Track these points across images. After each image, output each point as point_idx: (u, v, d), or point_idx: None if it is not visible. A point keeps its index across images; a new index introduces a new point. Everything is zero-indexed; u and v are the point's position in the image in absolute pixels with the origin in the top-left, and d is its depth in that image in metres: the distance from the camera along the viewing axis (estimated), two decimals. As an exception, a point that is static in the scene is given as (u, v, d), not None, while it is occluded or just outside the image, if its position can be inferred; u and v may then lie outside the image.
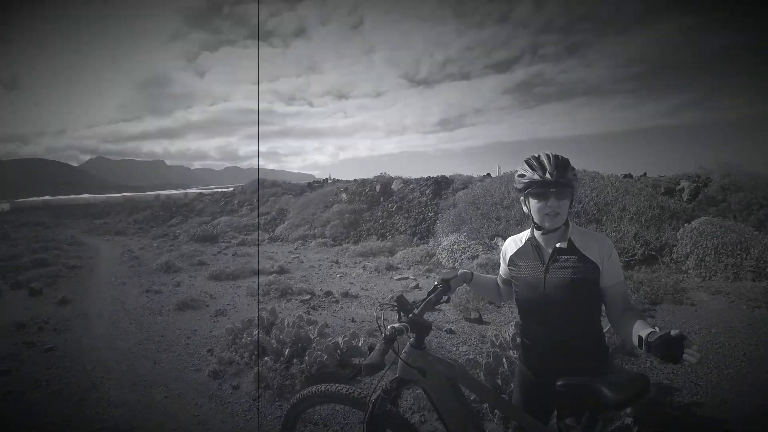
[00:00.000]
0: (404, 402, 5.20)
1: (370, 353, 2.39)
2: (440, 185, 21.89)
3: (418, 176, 24.45)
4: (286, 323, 6.90)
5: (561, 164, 2.70)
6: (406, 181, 24.12)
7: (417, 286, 11.36)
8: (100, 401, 5.72)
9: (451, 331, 7.87)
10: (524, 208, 2.89)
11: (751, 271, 10.12)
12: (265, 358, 6.06)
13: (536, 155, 2.78)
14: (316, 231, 22.03)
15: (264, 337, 6.57)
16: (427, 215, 19.33)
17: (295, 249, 19.31)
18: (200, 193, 46.03)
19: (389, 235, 19.20)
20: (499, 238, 13.58)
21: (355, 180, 28.90)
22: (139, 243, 23.84)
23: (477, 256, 12.67)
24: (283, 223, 24.92)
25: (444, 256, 13.88)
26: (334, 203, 24.98)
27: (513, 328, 5.91)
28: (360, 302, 10.16)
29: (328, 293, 10.72)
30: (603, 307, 2.86)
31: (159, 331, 8.48)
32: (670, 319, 8.24)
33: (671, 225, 12.49)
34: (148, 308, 10.14)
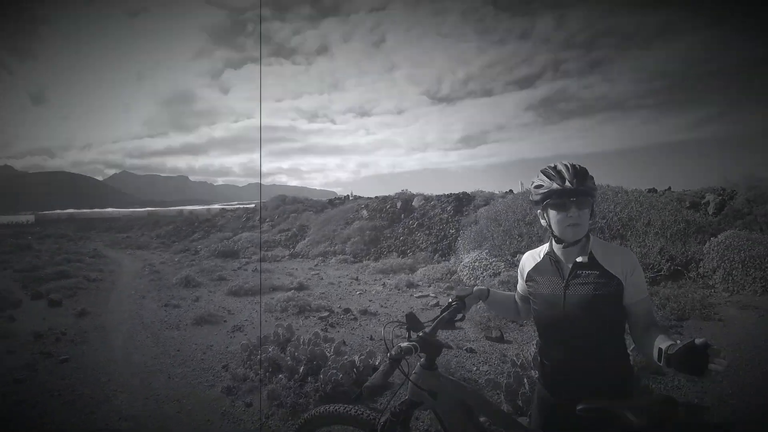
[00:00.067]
0: (421, 424, 5.03)
1: (374, 373, 2.25)
2: (462, 202, 21.71)
3: (439, 193, 24.26)
4: (301, 340, 6.79)
5: (580, 173, 2.55)
6: (428, 198, 23.96)
7: (437, 304, 11.17)
8: (111, 414, 5.65)
9: (471, 350, 7.67)
10: (542, 221, 2.73)
11: (780, 284, 9.82)
12: (279, 376, 5.95)
13: (553, 165, 2.64)
14: (336, 247, 21.93)
15: (278, 354, 6.46)
16: (449, 232, 19.16)
17: (315, 265, 19.19)
18: (223, 208, 46.34)
19: (410, 252, 19.05)
20: (520, 255, 13.35)
21: (376, 197, 28.77)
22: (160, 257, 23.97)
23: (499, 273, 12.47)
24: (304, 239, 24.86)
25: (465, 273, 13.69)
26: (354, 220, 24.88)
27: (535, 347, 5.74)
28: (379, 320, 10.01)
29: (347, 310, 10.58)
30: (626, 325, 2.68)
31: (175, 346, 8.41)
32: (697, 335, 7.93)
33: (697, 239, 12.19)
34: (165, 322, 10.08)
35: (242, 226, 33.02)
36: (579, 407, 2.28)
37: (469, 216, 19.58)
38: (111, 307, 11.63)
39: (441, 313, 2.83)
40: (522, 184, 22.10)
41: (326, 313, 10.38)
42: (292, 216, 30.77)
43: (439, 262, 16.35)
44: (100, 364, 7.50)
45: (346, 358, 6.25)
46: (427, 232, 20.25)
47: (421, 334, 2.57)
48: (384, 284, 13.97)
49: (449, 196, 22.99)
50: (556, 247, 2.73)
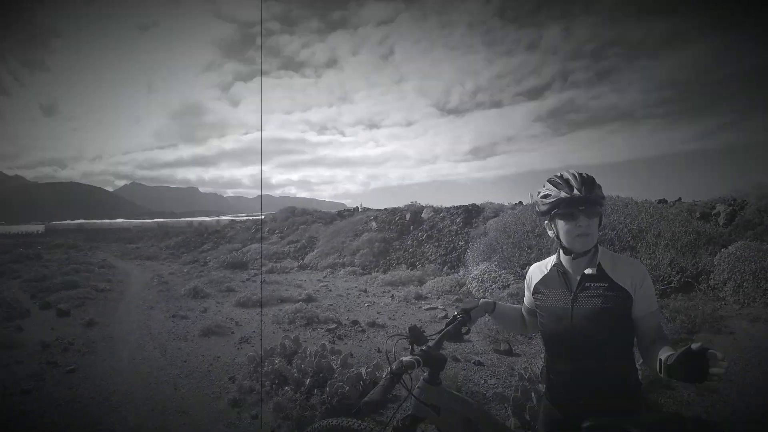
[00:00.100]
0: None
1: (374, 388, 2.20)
2: (471, 213, 21.65)
3: (448, 205, 24.21)
4: (308, 352, 6.73)
5: (587, 181, 2.49)
6: (437, 210, 23.91)
7: (446, 316, 11.09)
8: (116, 425, 5.61)
9: (479, 363, 7.60)
10: (550, 233, 2.66)
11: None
12: (286, 388, 5.90)
13: (559, 174, 2.58)
14: (345, 259, 21.91)
15: (285, 366, 6.41)
16: (458, 244, 19.10)
17: (324, 277, 19.17)
18: (232, 220, 46.45)
19: (419, 264, 19.01)
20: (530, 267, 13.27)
21: (385, 208, 28.74)
22: (169, 268, 24.02)
23: (508, 286, 12.40)
24: (313, 251, 24.86)
25: (474, 285, 13.63)
26: (363, 232, 24.87)
27: (543, 360, 5.70)
28: (387, 332, 9.95)
29: (355, 322, 10.53)
30: (635, 339, 2.60)
31: (182, 357, 8.37)
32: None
33: (708, 250, 12.04)
34: (173, 333, 10.06)
35: (251, 237, 33.05)
36: (585, 425, 2.25)
37: (478, 228, 19.51)
38: (119, 318, 11.63)
39: (446, 327, 2.79)
40: (532, 195, 22.04)
41: (334, 325, 10.33)
42: (301, 228, 30.80)
43: (448, 274, 16.29)
44: (107, 374, 7.48)
45: (353, 371, 6.19)
46: (436, 244, 20.21)
47: (424, 347, 2.52)
48: (393, 296, 13.92)
49: (458, 207, 22.95)
50: (564, 258, 2.66)
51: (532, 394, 4.83)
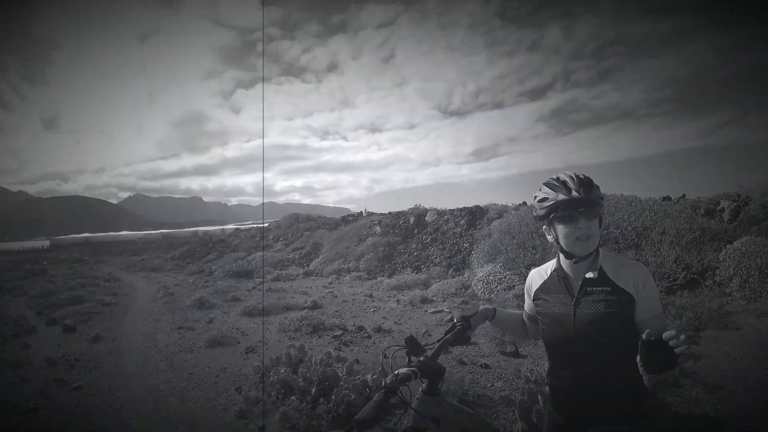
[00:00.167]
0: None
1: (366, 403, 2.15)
2: (475, 215, 21.60)
3: (452, 207, 24.15)
4: (313, 361, 6.71)
5: (585, 182, 2.44)
6: (441, 212, 23.86)
7: (451, 319, 11.04)
8: (123, 442, 5.60)
9: (485, 366, 7.56)
10: (549, 237, 2.61)
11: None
12: (292, 398, 5.87)
13: (555, 176, 2.53)
14: (350, 265, 21.87)
15: (290, 375, 6.38)
16: (462, 246, 19.05)
17: (330, 283, 19.13)
18: (237, 228, 46.44)
19: (424, 267, 18.95)
20: (535, 268, 13.20)
21: (389, 212, 28.68)
22: (175, 279, 23.98)
23: (513, 287, 12.36)
24: (318, 257, 24.82)
25: (480, 287, 13.58)
26: (368, 236, 24.81)
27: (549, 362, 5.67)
28: (393, 337, 9.92)
29: (361, 328, 10.50)
30: None
31: (189, 369, 8.36)
32: (715, 345, 7.81)
33: (713, 247, 11.98)
34: (179, 345, 10.05)
35: (256, 245, 32.99)
36: None
37: (482, 229, 19.46)
38: (125, 331, 11.62)
39: (445, 335, 2.73)
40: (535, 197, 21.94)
41: (340, 332, 10.30)
42: (306, 234, 30.78)
43: (453, 277, 16.23)
44: (114, 389, 7.46)
45: (359, 378, 6.17)
46: (441, 246, 20.16)
47: (422, 358, 2.47)
48: (398, 301, 13.88)
49: (462, 209, 22.91)
50: (564, 263, 2.61)
51: (539, 397, 4.80)
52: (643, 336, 1.97)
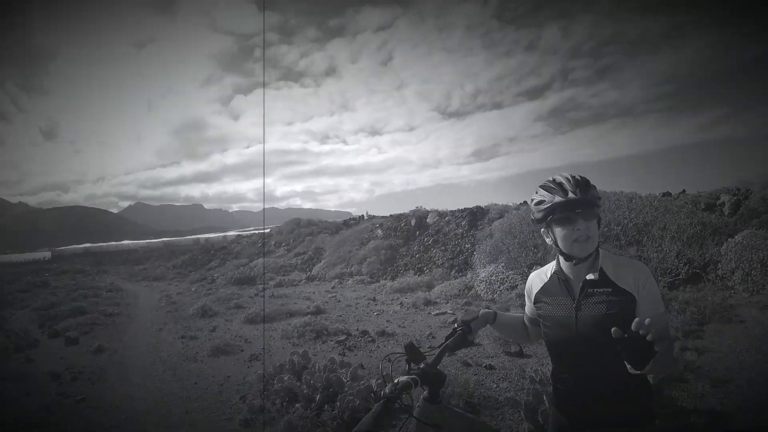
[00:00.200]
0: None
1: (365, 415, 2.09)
2: (476, 216, 21.57)
3: (453, 208, 24.11)
4: (317, 367, 6.67)
5: (582, 183, 2.40)
6: (442, 214, 23.82)
7: (455, 321, 11.01)
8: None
9: (490, 367, 7.53)
10: (548, 240, 2.58)
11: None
12: (296, 405, 5.83)
13: (551, 178, 2.49)
14: (353, 268, 21.84)
15: (294, 382, 6.34)
16: (464, 247, 19.02)
17: (332, 288, 19.07)
18: (238, 235, 46.37)
19: (426, 269, 18.92)
20: (538, 267, 13.17)
21: (390, 215, 28.65)
22: (177, 288, 23.94)
23: (516, 287, 12.34)
24: (320, 262, 24.78)
25: (482, 287, 13.56)
26: (370, 240, 24.79)
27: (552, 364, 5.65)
28: (397, 340, 9.89)
29: (365, 333, 10.47)
30: None
31: (192, 379, 8.32)
32: (719, 339, 7.81)
33: (714, 241, 12.00)
34: (183, 355, 10.01)
35: (258, 251, 32.91)
36: None
37: (483, 230, 19.42)
38: (128, 342, 11.57)
39: (445, 341, 2.69)
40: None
41: (344, 337, 10.26)
42: (308, 239, 30.76)
43: (456, 278, 16.22)
44: (117, 402, 7.43)
45: (363, 383, 6.12)
46: (443, 248, 20.13)
47: (422, 365, 2.43)
48: (401, 303, 13.85)
49: (463, 210, 22.88)
50: (564, 265, 2.57)
51: (544, 397, 4.77)
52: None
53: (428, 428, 2.37)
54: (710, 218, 13.19)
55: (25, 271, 41.60)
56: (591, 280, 2.45)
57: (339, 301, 15.58)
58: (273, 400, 6.27)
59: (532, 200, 2.56)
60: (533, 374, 5.50)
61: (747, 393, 5.69)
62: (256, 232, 47.04)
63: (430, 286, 15.88)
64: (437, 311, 12.38)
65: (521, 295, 10.99)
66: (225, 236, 53.39)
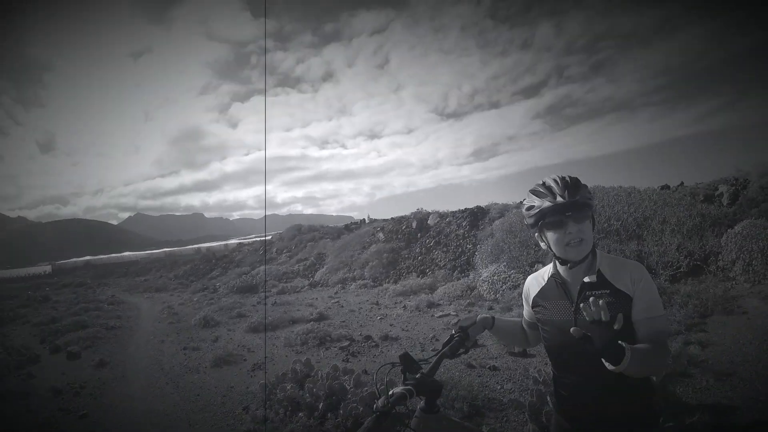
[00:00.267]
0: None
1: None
2: (476, 216, 21.55)
3: (454, 209, 24.11)
4: (320, 375, 6.60)
5: (571, 184, 2.35)
6: (443, 215, 23.82)
7: (458, 323, 10.95)
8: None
9: (494, 368, 7.48)
10: (542, 244, 2.53)
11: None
12: (299, 414, 5.76)
13: (541, 182, 2.45)
14: (355, 273, 21.80)
15: (297, 391, 6.27)
16: (466, 248, 18.98)
17: (335, 293, 19.02)
18: (240, 243, 46.33)
19: (429, 271, 18.87)
20: (540, 265, 13.14)
21: (391, 218, 28.67)
22: (179, 298, 23.85)
23: (518, 286, 12.28)
24: (323, 267, 24.73)
25: (485, 288, 13.51)
26: (371, 243, 24.77)
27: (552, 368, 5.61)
28: (401, 344, 9.83)
29: (368, 338, 10.41)
30: None
31: (195, 390, 8.26)
32: (722, 331, 7.78)
33: (714, 232, 11.98)
34: (185, 366, 9.94)
35: (260, 259, 32.88)
36: None
37: (484, 230, 19.42)
38: (130, 355, 11.50)
39: (442, 348, 2.61)
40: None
41: (347, 342, 10.20)
42: (309, 245, 30.75)
43: (458, 279, 16.18)
44: (120, 416, 7.37)
45: (366, 390, 6.05)
46: (445, 249, 20.09)
47: (418, 375, 2.35)
48: (405, 307, 13.79)
49: (464, 211, 22.87)
50: (561, 268, 2.52)
51: (548, 398, 4.72)
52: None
53: None
54: (709, 209, 13.17)
55: (26, 286, 41.52)
56: (588, 282, 2.39)
57: (342, 306, 15.52)
58: (276, 410, 6.20)
59: (524, 205, 2.52)
60: (536, 375, 5.45)
61: (752, 385, 5.64)
62: (258, 239, 46.99)
63: (432, 288, 15.84)
64: (440, 313, 12.32)
65: (524, 295, 10.98)
66: (226, 245, 53.34)
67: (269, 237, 41.03)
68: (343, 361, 8.67)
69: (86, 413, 7.56)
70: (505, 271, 13.63)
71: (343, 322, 12.79)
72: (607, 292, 2.33)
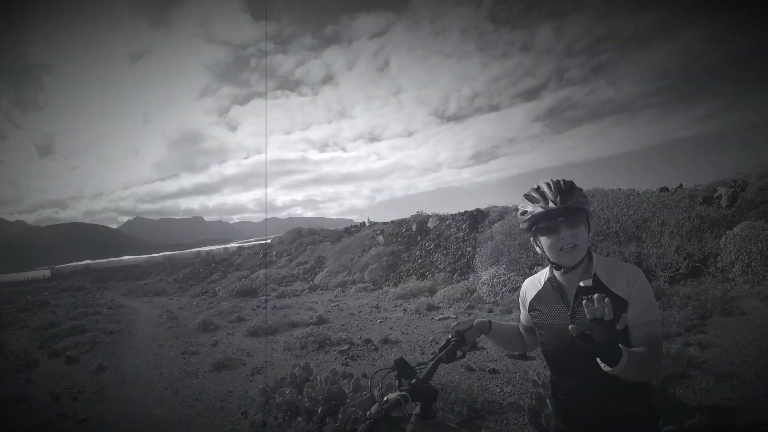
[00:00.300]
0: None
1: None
2: (476, 219, 21.55)
3: (454, 211, 24.12)
4: (318, 379, 6.57)
5: (564, 189, 2.33)
6: (442, 218, 23.82)
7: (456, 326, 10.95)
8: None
9: (494, 371, 7.47)
10: (537, 249, 2.51)
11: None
12: (298, 419, 5.73)
13: (535, 186, 2.44)
14: (355, 276, 21.79)
15: (296, 396, 6.24)
16: (466, 250, 18.96)
17: (335, 297, 18.99)
18: (239, 246, 46.29)
19: (429, 274, 18.87)
20: (539, 267, 13.15)
21: (391, 221, 28.70)
22: (178, 302, 23.77)
23: (517, 288, 12.25)
24: (322, 270, 24.72)
25: (485, 290, 13.51)
26: (371, 246, 24.77)
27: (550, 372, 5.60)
28: (400, 348, 9.81)
29: (368, 341, 10.38)
30: None
31: (194, 395, 8.22)
32: (721, 332, 7.80)
33: (713, 234, 12.03)
34: (184, 371, 9.90)
35: (259, 262, 32.89)
36: None
37: (484, 232, 19.41)
38: (129, 360, 11.45)
39: (438, 353, 2.59)
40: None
41: (347, 346, 10.16)
42: (309, 248, 30.75)
43: (458, 282, 16.18)
44: (119, 421, 7.34)
45: (365, 394, 6.03)
46: (444, 252, 20.08)
47: (413, 381, 2.32)
48: (404, 310, 13.79)
49: (464, 214, 22.87)
50: (556, 272, 2.49)
51: (547, 401, 4.71)
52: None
53: None
54: (708, 211, 13.22)
55: (25, 290, 41.39)
56: (585, 286, 2.37)
57: (342, 309, 15.49)
58: (275, 415, 6.17)
59: (518, 210, 2.52)
60: (536, 378, 5.44)
61: (752, 386, 5.65)
62: (258, 243, 46.97)
63: (432, 291, 15.84)
64: (440, 316, 12.31)
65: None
66: (226, 248, 53.26)
67: (269, 240, 41.00)
68: (342, 364, 8.66)
69: (84, 418, 7.53)
70: (504, 274, 13.62)
71: (343, 325, 12.77)
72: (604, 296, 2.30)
